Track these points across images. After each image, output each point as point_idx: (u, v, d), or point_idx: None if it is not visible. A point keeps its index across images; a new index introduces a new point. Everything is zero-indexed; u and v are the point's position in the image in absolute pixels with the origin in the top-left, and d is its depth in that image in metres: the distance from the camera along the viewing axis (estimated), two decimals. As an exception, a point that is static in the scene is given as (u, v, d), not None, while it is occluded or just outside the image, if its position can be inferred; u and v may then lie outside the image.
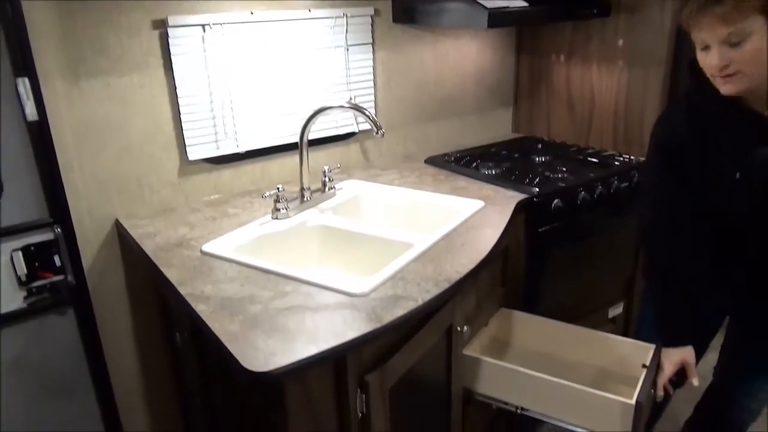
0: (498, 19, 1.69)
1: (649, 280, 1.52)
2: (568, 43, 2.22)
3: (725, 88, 1.19)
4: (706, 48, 1.17)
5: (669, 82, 1.97)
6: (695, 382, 1.45)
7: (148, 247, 1.44)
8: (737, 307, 1.56)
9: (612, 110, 2.14)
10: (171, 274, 1.30)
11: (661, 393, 1.47)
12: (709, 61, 1.17)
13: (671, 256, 1.43)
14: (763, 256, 1.38)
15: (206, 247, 1.40)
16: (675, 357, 1.45)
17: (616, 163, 2.03)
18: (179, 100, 1.64)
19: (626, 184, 1.98)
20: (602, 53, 2.12)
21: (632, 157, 2.06)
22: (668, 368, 1.44)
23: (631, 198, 2.03)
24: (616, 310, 2.20)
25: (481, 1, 1.69)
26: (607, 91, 2.14)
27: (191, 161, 1.72)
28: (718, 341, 1.68)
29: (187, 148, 1.70)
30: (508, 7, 1.72)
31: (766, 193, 1.27)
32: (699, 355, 1.62)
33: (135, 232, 1.54)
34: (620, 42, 2.04)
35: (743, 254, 1.41)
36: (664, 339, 1.47)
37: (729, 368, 1.67)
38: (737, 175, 1.28)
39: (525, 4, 1.76)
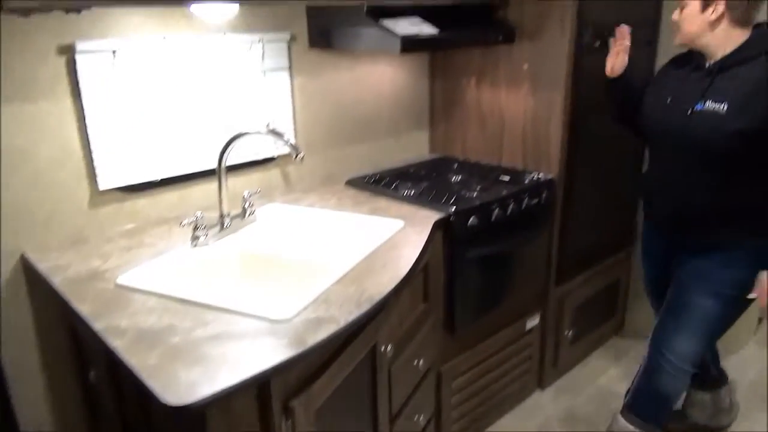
0: (410, 44, 1.76)
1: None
2: (478, 67, 2.33)
3: (674, 39, 1.70)
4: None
5: (570, 102, 2.11)
6: None
7: (58, 281, 1.38)
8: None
9: (521, 130, 2.26)
10: (84, 308, 1.25)
11: None
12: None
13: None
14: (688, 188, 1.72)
15: (121, 279, 1.36)
16: None
17: (526, 180, 2.14)
18: (88, 127, 1.59)
19: (536, 200, 2.09)
20: (509, 76, 2.24)
21: (541, 174, 2.19)
22: None
23: (542, 213, 2.15)
24: (533, 322, 2.31)
25: (393, 28, 1.75)
26: (516, 111, 2.26)
27: (104, 190, 1.67)
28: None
29: (99, 177, 1.64)
30: (419, 34, 1.79)
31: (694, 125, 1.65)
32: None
33: (44, 266, 1.47)
34: (525, 66, 2.17)
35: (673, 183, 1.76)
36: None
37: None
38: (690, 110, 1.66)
39: (435, 31, 1.84)
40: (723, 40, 1.60)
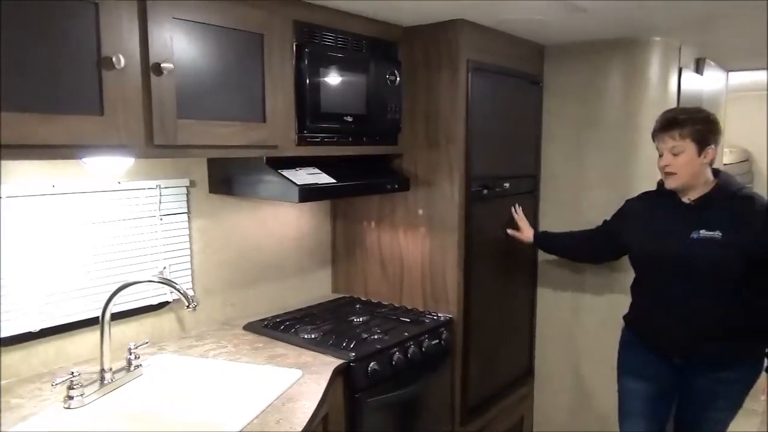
0: (308, 194, 1.82)
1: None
2: (377, 211, 2.43)
3: (668, 183, 1.86)
4: (661, 155, 1.85)
5: (463, 245, 2.22)
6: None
7: None
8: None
9: (419, 271, 2.33)
10: None
11: None
12: (660, 162, 1.86)
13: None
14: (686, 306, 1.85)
15: (-27, 454, 1.20)
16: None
17: (426, 320, 2.18)
18: (-43, 278, 1.48)
19: (437, 341, 2.11)
20: (407, 221, 2.34)
21: (440, 314, 2.23)
22: None
23: (442, 353, 2.16)
24: (439, 466, 2.23)
25: (291, 178, 1.81)
26: (414, 253, 2.34)
27: (-33, 346, 1.52)
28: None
29: (-36, 331, 1.50)
30: (317, 183, 1.86)
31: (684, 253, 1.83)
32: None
33: None
34: (420, 211, 2.29)
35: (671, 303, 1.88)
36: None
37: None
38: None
39: (333, 180, 1.92)
40: (703, 179, 1.84)
